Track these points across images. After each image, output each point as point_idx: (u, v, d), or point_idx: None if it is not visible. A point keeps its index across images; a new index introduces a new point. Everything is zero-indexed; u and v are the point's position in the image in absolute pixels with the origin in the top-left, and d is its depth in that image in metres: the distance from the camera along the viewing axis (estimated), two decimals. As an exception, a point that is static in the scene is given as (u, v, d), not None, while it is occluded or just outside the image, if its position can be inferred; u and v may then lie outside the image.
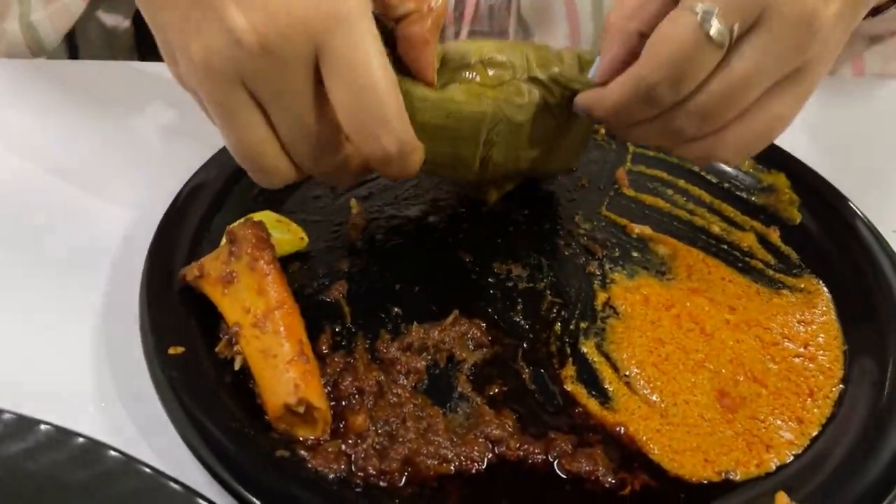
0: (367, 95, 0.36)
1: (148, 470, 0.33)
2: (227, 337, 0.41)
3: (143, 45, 0.82)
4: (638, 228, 0.52)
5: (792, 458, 0.39)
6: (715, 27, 0.37)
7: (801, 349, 0.45)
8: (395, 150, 0.37)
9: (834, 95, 0.69)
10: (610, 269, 0.49)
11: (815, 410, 0.42)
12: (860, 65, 0.72)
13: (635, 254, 0.51)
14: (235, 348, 0.40)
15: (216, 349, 0.41)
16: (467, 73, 0.46)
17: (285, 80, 0.36)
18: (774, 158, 0.56)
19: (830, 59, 0.41)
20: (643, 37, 0.42)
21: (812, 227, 0.52)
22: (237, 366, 0.40)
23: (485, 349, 0.44)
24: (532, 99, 0.46)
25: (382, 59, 0.37)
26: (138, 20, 1.02)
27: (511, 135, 0.46)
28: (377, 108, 0.36)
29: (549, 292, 0.48)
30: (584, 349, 0.45)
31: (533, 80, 0.46)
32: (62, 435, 0.34)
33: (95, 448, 0.33)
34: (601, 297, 0.48)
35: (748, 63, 0.39)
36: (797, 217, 0.53)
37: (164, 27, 0.37)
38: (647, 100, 0.40)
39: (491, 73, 0.46)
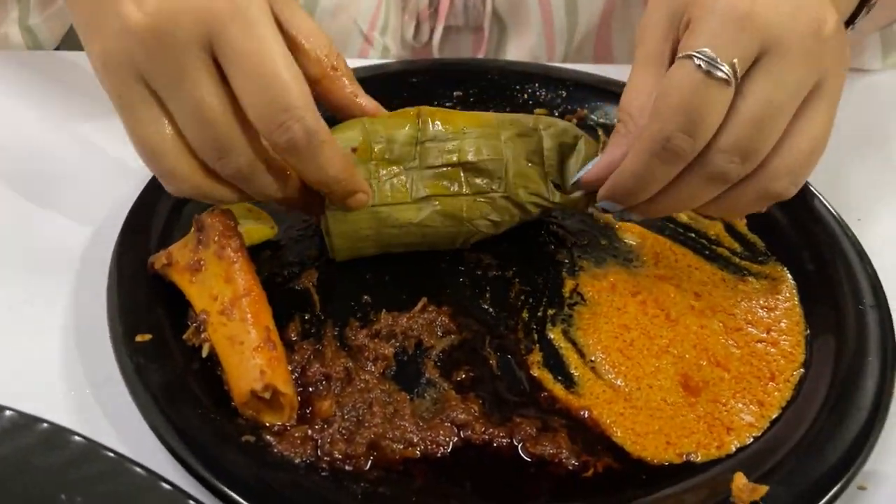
0: (268, 83, 0.36)
1: (112, 454, 0.33)
2: (194, 324, 0.41)
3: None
4: (605, 217, 0.53)
5: (752, 439, 0.40)
6: (714, 66, 0.37)
7: (764, 334, 0.45)
8: (302, 136, 0.37)
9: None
10: (578, 256, 0.50)
11: (776, 394, 0.42)
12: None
13: (603, 241, 0.51)
14: (203, 335, 0.41)
15: (184, 336, 0.41)
16: (446, 182, 0.46)
17: (179, 67, 0.36)
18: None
19: (844, 62, 0.41)
20: None
21: (778, 216, 0.53)
22: (205, 353, 0.41)
23: (453, 336, 0.45)
24: (509, 218, 0.48)
25: (282, 47, 0.37)
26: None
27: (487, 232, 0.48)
28: (281, 96, 0.36)
29: (517, 280, 0.48)
30: (551, 335, 0.45)
31: (511, 199, 0.47)
32: (26, 420, 0.34)
33: (60, 433, 0.34)
34: (569, 284, 0.48)
35: (766, 92, 0.39)
36: (763, 205, 0.53)
37: (77, 28, 0.39)
38: (667, 154, 0.39)
39: (471, 181, 0.46)
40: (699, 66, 0.37)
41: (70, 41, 0.69)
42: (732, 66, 0.38)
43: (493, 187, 0.47)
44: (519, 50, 0.73)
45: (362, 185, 0.44)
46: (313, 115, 0.38)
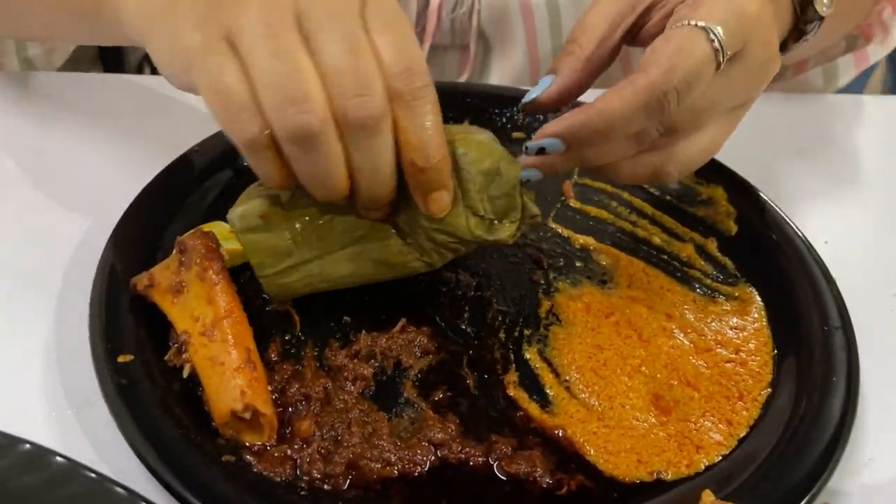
0: (402, 37, 0.39)
1: (93, 475, 0.34)
2: (176, 345, 0.42)
3: (105, 56, 0.82)
4: (582, 239, 0.54)
5: (720, 458, 0.41)
6: (722, 50, 0.40)
7: (733, 354, 0.47)
8: (421, 86, 0.38)
9: (769, 112, 0.71)
10: (554, 278, 0.51)
11: (744, 413, 0.44)
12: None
13: (579, 263, 0.53)
14: (184, 356, 0.41)
15: (165, 357, 0.42)
16: (374, 228, 0.44)
17: (337, 6, 0.38)
18: (712, 172, 0.58)
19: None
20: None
21: (748, 238, 0.54)
22: (185, 373, 0.41)
23: (431, 356, 0.46)
24: (440, 257, 0.46)
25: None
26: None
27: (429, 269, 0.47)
28: (408, 51, 0.38)
29: (495, 300, 0.49)
30: (528, 355, 0.46)
31: (433, 241, 0.44)
32: (8, 441, 0.34)
33: (41, 454, 0.34)
34: (545, 305, 0.49)
35: (727, 85, 0.42)
36: (733, 228, 0.55)
37: None
38: (656, 106, 0.41)
39: (395, 222, 0.44)
40: (713, 43, 0.40)
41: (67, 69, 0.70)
42: (727, 55, 0.41)
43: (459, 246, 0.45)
44: (503, 70, 0.75)
45: (450, 181, 0.41)
46: (422, 75, 0.39)
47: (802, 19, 0.49)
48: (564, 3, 0.70)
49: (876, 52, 0.72)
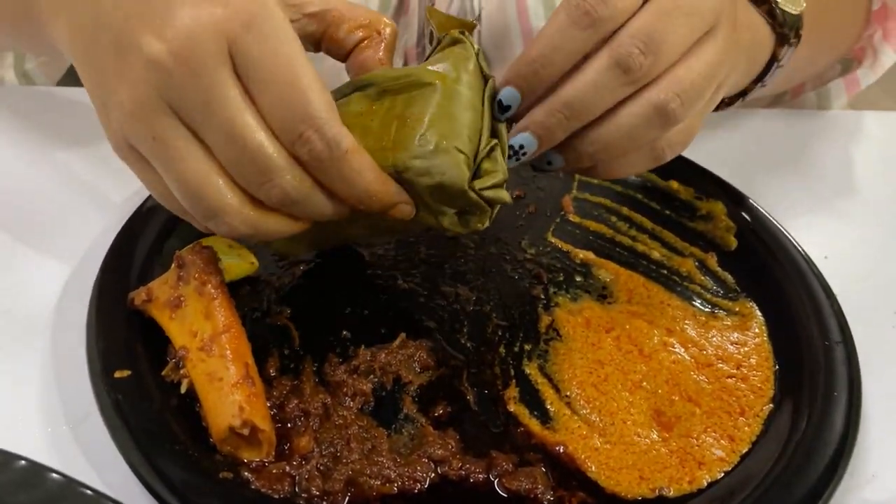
0: (284, 90, 0.35)
1: (89, 492, 0.33)
2: (173, 360, 0.41)
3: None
4: (582, 254, 0.54)
5: (722, 474, 0.41)
6: None
7: (734, 370, 0.46)
8: (323, 147, 0.36)
9: (768, 128, 0.72)
10: (554, 293, 0.51)
11: (746, 429, 0.43)
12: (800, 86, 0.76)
13: (579, 278, 0.52)
14: (182, 371, 0.41)
15: (163, 373, 0.42)
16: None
17: (207, 87, 0.35)
18: (712, 187, 0.58)
19: (734, 16, 0.43)
20: None
21: (747, 253, 0.54)
22: (183, 389, 0.41)
23: (431, 371, 0.45)
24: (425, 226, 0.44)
25: (300, 53, 0.36)
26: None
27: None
28: (298, 104, 0.35)
29: (494, 315, 0.49)
30: (528, 371, 0.46)
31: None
32: (3, 457, 0.34)
33: (37, 470, 0.34)
34: (545, 320, 0.49)
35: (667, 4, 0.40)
36: (733, 243, 0.55)
37: (98, 88, 0.38)
38: (581, 17, 0.39)
39: None
40: None
41: (66, 83, 0.70)
42: None
43: None
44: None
45: (401, 196, 0.40)
46: (335, 124, 0.36)
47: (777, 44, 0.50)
48: None
49: (866, 76, 0.72)
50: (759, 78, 0.52)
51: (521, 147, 0.42)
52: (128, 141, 0.37)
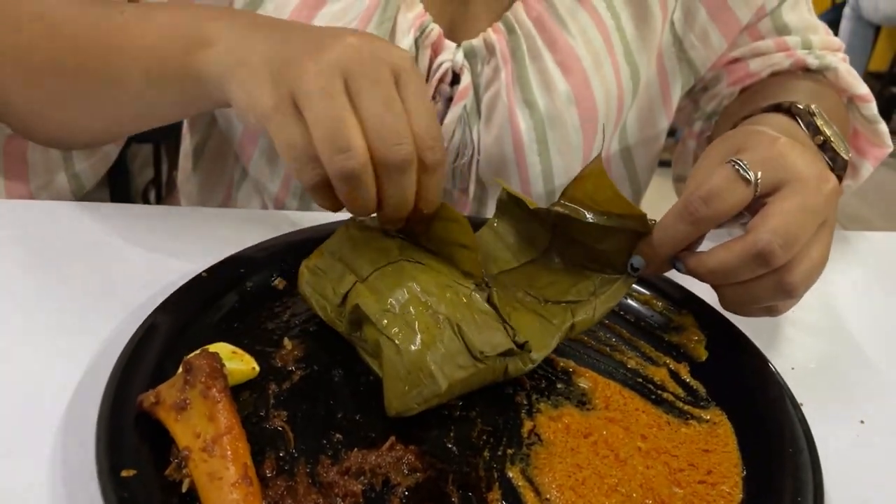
0: (426, 110, 0.50)
1: (94, 585, 0.35)
2: (176, 461, 0.44)
3: (112, 180, 0.89)
4: (563, 362, 0.57)
5: (694, 577, 0.43)
6: (743, 169, 0.52)
7: (705, 475, 0.49)
8: (440, 157, 0.51)
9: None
10: (536, 399, 0.54)
11: (716, 532, 0.46)
12: None
13: (560, 385, 0.56)
14: (184, 471, 0.43)
15: (166, 472, 0.44)
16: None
17: (377, 71, 0.49)
18: (684, 301, 0.62)
19: (835, 220, 0.55)
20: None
21: (717, 364, 0.58)
22: (185, 488, 0.43)
23: (418, 473, 0.48)
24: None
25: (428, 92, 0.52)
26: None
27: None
28: (433, 123, 0.50)
29: (480, 421, 0.52)
30: (511, 474, 0.49)
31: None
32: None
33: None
34: (527, 425, 0.52)
35: (797, 200, 0.52)
36: (704, 354, 0.59)
37: (281, 53, 0.51)
38: (686, 215, 0.52)
39: None
40: (734, 166, 0.52)
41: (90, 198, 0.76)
42: (756, 174, 0.51)
43: None
44: None
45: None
46: (441, 148, 0.51)
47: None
48: (555, 155, 0.77)
49: (848, 188, 0.80)
50: None
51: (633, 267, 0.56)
52: (293, 96, 0.49)
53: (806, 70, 0.82)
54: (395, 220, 0.53)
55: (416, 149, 0.49)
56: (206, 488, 0.42)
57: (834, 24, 3.81)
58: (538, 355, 0.54)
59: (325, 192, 0.51)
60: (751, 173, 0.51)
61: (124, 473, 0.43)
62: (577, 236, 0.56)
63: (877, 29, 3.85)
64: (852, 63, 0.83)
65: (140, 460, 0.44)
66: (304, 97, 0.48)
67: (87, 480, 0.43)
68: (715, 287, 0.55)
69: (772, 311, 0.56)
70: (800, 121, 0.65)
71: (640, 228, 0.54)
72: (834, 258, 0.78)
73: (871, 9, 3.65)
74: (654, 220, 0.55)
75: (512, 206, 0.59)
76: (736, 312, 0.57)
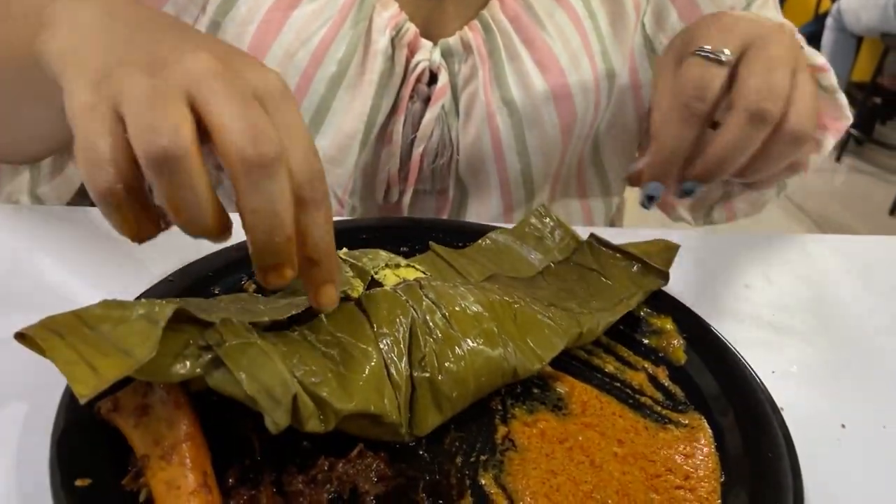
0: (302, 131, 0.42)
1: None
2: (134, 469, 0.42)
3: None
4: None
5: (670, 585, 0.42)
6: (714, 54, 0.54)
7: (682, 481, 0.48)
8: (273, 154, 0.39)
9: (715, 250, 0.76)
10: (511, 404, 0.53)
11: (693, 539, 0.44)
12: (731, 209, 0.82)
13: (536, 390, 0.54)
14: (141, 480, 0.42)
15: (123, 482, 0.42)
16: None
17: (235, 91, 0.39)
18: (662, 304, 0.61)
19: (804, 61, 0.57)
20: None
21: (696, 368, 0.57)
22: (142, 498, 0.42)
23: (388, 481, 0.46)
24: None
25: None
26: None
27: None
28: (308, 146, 0.41)
29: (452, 426, 0.51)
30: (483, 481, 0.47)
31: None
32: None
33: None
34: (501, 430, 0.51)
35: (765, 55, 0.54)
36: (682, 358, 0.58)
37: (139, 54, 0.41)
38: (686, 115, 0.54)
39: None
40: (700, 55, 0.54)
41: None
42: (723, 51, 0.54)
43: None
44: (479, 212, 0.80)
45: (336, 278, 0.45)
46: (324, 183, 0.42)
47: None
48: (534, 155, 0.76)
49: (813, 161, 0.79)
50: None
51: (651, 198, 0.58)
52: (115, 105, 0.38)
53: None
54: (272, 255, 0.41)
55: (293, 185, 0.39)
56: (164, 497, 0.41)
57: (816, 35, 3.85)
58: (548, 355, 0.54)
59: (119, 204, 0.39)
60: (719, 54, 0.54)
61: (79, 483, 0.41)
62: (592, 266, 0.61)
63: (859, 40, 3.88)
64: (835, 74, 0.82)
65: (96, 470, 0.43)
66: (128, 105, 0.38)
67: (43, 491, 0.41)
68: (740, 174, 0.57)
69: (796, 168, 0.60)
70: None
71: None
72: (815, 262, 0.77)
73: (853, 20, 3.69)
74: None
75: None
76: (769, 187, 0.61)
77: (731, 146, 0.53)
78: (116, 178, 0.38)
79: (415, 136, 0.75)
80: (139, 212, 0.40)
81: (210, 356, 0.42)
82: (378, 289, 0.53)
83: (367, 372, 0.47)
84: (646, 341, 0.60)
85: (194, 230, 0.40)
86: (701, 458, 0.50)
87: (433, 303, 0.52)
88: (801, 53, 0.55)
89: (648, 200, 0.58)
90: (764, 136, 0.53)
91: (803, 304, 0.70)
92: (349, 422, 0.46)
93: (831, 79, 0.75)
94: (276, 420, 0.42)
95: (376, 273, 0.58)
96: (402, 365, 0.48)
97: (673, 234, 0.84)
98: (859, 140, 3.99)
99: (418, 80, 0.73)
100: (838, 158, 3.88)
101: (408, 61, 0.73)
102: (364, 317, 0.50)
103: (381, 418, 0.46)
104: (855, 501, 0.50)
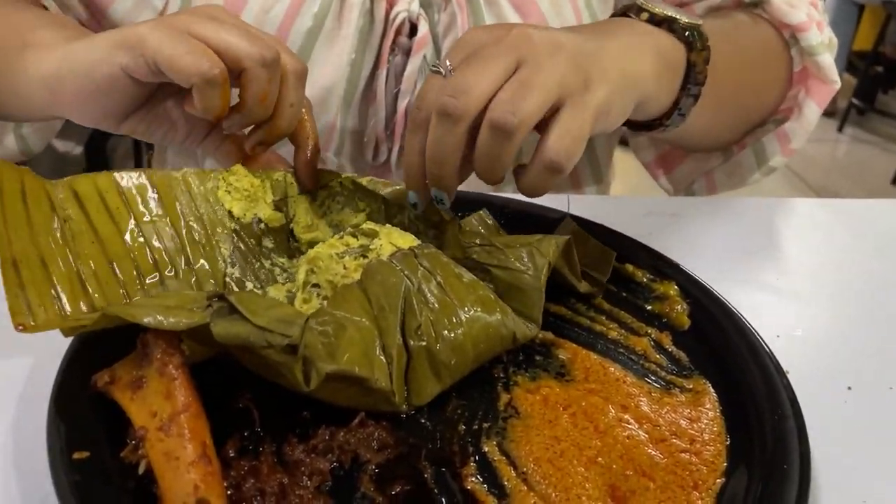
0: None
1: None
2: (132, 442, 0.42)
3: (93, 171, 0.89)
4: (541, 333, 0.55)
5: (676, 548, 0.41)
6: (434, 67, 0.53)
7: (688, 444, 0.47)
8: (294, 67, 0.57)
9: (719, 213, 0.75)
10: (513, 371, 0.52)
11: (699, 502, 0.44)
12: (712, 181, 0.81)
13: (538, 357, 0.54)
14: (140, 452, 0.41)
15: (122, 454, 0.42)
16: None
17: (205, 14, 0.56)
18: (665, 269, 0.61)
19: (588, 74, 0.52)
20: None
21: (700, 332, 0.56)
22: (141, 470, 0.41)
23: (389, 450, 0.46)
24: None
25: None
26: (89, 147, 1.13)
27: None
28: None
29: (454, 394, 0.50)
30: (486, 448, 0.47)
31: None
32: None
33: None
34: (504, 398, 0.50)
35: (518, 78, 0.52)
36: (686, 323, 0.57)
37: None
38: (415, 123, 0.53)
39: None
40: (431, 69, 0.54)
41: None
42: (446, 65, 0.52)
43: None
44: None
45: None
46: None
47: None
48: None
49: (794, 131, 0.77)
50: (684, 86, 0.60)
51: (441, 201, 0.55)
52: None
53: (740, 5, 0.78)
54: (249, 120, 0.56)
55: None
56: (163, 469, 0.40)
57: (817, 4, 3.80)
58: (538, 315, 0.53)
59: (224, 81, 0.53)
60: (441, 67, 0.53)
61: (76, 456, 0.41)
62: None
63: (861, 7, 3.84)
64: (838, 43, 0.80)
65: (94, 442, 0.42)
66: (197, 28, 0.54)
67: (42, 465, 0.41)
68: (483, 176, 0.54)
69: (554, 169, 0.52)
70: (632, 15, 0.61)
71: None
72: (819, 226, 0.76)
73: (854, -13, 3.65)
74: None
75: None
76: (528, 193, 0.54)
77: (429, 146, 0.52)
78: (219, 62, 0.52)
79: (398, 90, 0.74)
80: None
81: (217, 305, 0.44)
82: (374, 260, 0.53)
83: (355, 338, 0.47)
84: (649, 307, 0.59)
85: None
86: (706, 421, 0.49)
87: (428, 271, 0.51)
88: (578, 69, 0.51)
89: (413, 207, 0.57)
90: (457, 131, 0.51)
91: (807, 267, 0.69)
92: (338, 391, 0.46)
93: (810, 39, 0.72)
94: (289, 334, 0.44)
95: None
96: (397, 335, 0.48)
97: (676, 198, 0.83)
98: (861, 109, 3.96)
99: (398, 32, 0.72)
100: (840, 128, 3.85)
101: (387, 14, 0.72)
102: (362, 292, 0.50)
103: (366, 382, 0.46)
104: (861, 462, 0.50)
